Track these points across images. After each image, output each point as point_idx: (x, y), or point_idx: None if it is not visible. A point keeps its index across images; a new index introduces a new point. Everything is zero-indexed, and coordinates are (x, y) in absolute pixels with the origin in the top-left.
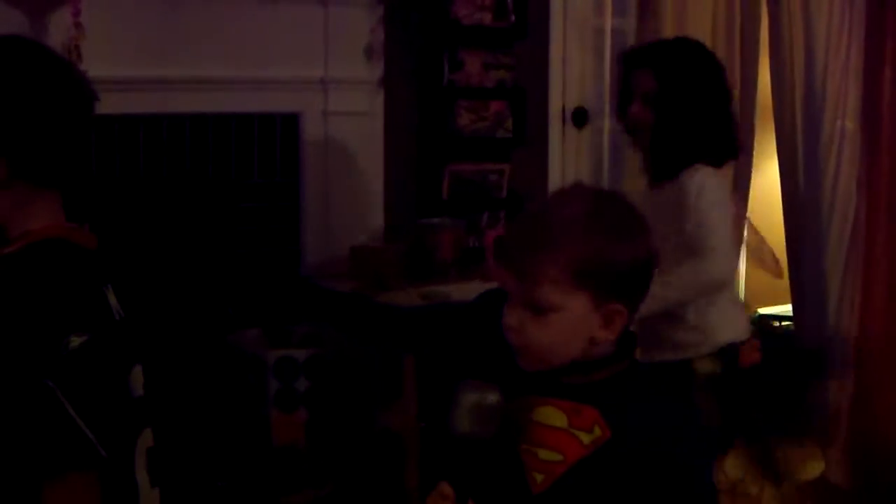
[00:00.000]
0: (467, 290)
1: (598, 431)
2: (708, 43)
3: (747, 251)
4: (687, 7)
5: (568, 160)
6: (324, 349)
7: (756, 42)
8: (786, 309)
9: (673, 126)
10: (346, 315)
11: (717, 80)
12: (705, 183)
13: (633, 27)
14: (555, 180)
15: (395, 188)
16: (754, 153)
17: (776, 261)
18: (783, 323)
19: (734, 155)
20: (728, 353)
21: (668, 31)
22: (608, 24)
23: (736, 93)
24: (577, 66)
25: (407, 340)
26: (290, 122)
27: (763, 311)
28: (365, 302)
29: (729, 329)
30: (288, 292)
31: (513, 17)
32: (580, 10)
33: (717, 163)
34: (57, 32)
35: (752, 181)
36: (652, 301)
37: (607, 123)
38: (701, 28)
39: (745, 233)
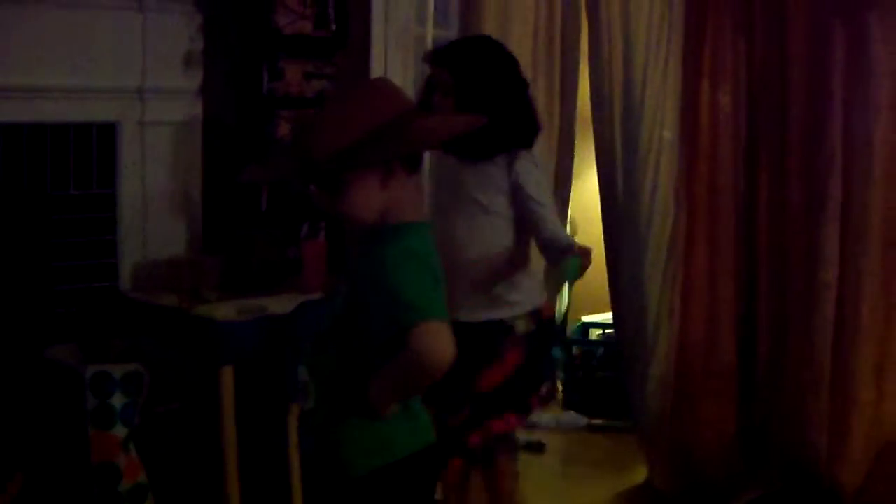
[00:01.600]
0: (285, 302)
1: None
2: (529, 53)
3: None
4: (508, 17)
5: None
6: (142, 364)
7: (577, 53)
8: (608, 317)
9: (472, 111)
10: (164, 328)
11: (508, 70)
12: (529, 168)
13: (456, 37)
14: None
15: (214, 199)
16: (574, 161)
17: None
18: (606, 331)
19: (537, 131)
20: (537, 314)
21: None
22: (430, 33)
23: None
24: (399, 75)
25: (225, 352)
26: (106, 132)
27: (586, 318)
28: (182, 315)
29: (539, 295)
30: (105, 306)
31: (334, 27)
32: (402, 19)
33: (528, 144)
34: None
35: (573, 188)
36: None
37: None
38: (522, 38)
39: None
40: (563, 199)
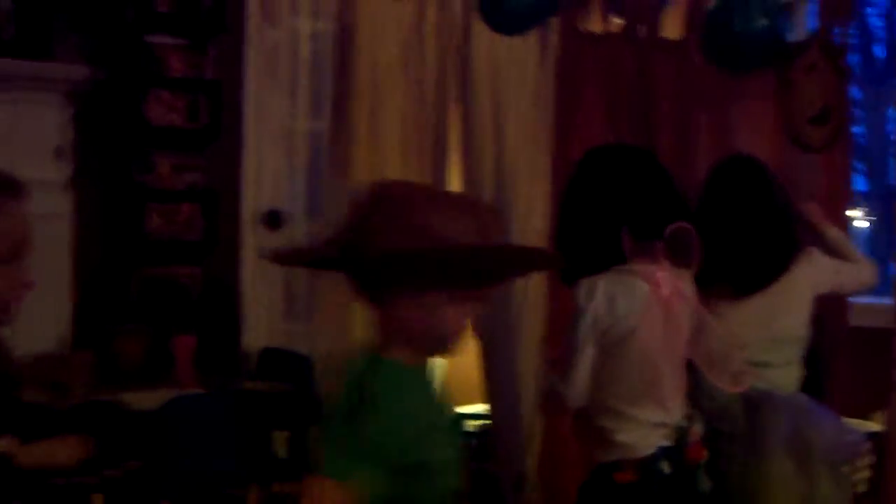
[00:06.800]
0: (154, 398)
1: None
2: (399, 145)
3: None
4: (379, 111)
5: (262, 263)
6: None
7: (445, 144)
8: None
9: None
10: (29, 426)
11: None
12: None
13: (328, 129)
14: (248, 283)
15: (84, 293)
16: None
17: None
18: (482, 421)
19: None
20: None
21: (362, 132)
22: (303, 125)
23: None
24: (271, 167)
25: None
26: None
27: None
28: (50, 412)
29: None
30: None
31: (206, 119)
32: (274, 112)
33: None
34: None
35: None
36: None
37: (302, 225)
38: (393, 131)
39: None
40: None
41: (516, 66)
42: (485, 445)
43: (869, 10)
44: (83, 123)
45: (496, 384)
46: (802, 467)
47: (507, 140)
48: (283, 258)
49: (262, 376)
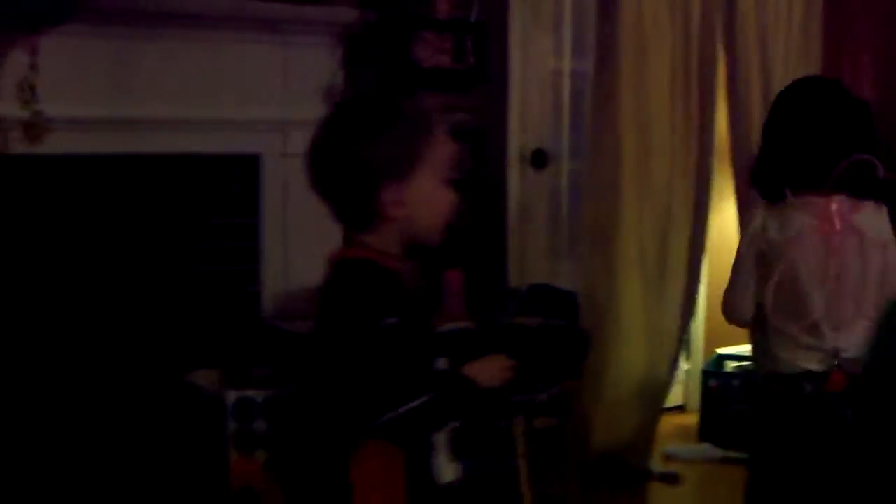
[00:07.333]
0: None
1: None
2: (666, 86)
3: None
4: (645, 50)
5: (527, 200)
6: (283, 390)
7: (713, 85)
8: (745, 349)
9: None
10: (305, 356)
11: None
12: None
13: (592, 69)
14: (514, 221)
15: None
16: (713, 195)
17: None
18: (742, 363)
19: None
20: None
21: (627, 73)
22: (567, 66)
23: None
24: (536, 108)
25: None
26: (249, 164)
27: (721, 350)
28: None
29: None
30: (247, 333)
31: (472, 60)
32: (539, 52)
33: None
34: (12, 72)
35: (711, 221)
36: None
37: (566, 165)
38: (659, 70)
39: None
40: (702, 232)
41: (782, 3)
42: (748, 385)
43: None
44: (353, 65)
45: None
46: None
47: (773, 81)
48: None
49: (529, 312)
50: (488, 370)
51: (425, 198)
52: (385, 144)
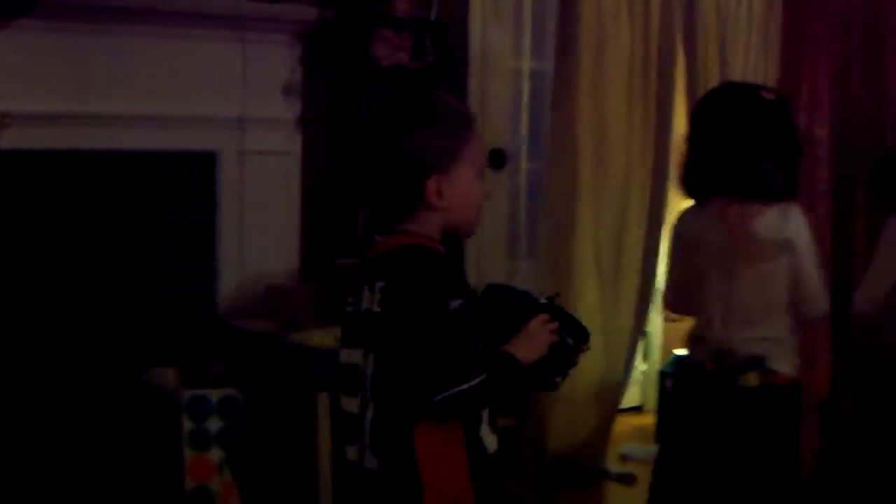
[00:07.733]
0: None
1: None
2: (625, 86)
3: None
4: (604, 50)
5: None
6: (238, 389)
7: (672, 85)
8: None
9: None
10: (261, 355)
11: None
12: None
13: (552, 69)
14: None
15: (311, 228)
16: (670, 195)
17: None
18: None
19: None
20: None
21: (586, 72)
22: (526, 66)
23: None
24: (496, 107)
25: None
26: (206, 161)
27: (678, 352)
28: (278, 342)
29: None
30: (203, 331)
31: (431, 59)
32: (499, 51)
33: None
34: None
35: (668, 221)
36: None
37: (525, 165)
38: (618, 71)
39: None
40: (658, 232)
41: (742, 4)
42: None
43: None
44: (311, 63)
45: None
46: None
47: (732, 77)
48: None
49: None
50: (534, 340)
51: (463, 190)
52: (433, 138)
